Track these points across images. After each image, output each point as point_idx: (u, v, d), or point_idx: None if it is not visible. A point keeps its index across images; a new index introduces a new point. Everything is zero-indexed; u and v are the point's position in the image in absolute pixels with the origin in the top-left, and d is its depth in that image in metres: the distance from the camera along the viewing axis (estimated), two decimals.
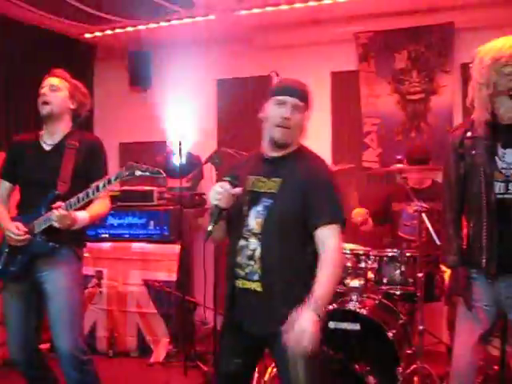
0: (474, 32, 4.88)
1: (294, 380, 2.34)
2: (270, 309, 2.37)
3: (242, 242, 2.45)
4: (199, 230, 5.26)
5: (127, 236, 5.33)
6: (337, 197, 2.46)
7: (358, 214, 4.47)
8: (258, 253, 2.40)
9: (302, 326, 2.21)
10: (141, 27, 5.62)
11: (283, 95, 2.46)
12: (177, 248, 5.17)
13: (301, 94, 2.48)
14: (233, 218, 2.48)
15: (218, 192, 2.39)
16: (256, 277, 2.40)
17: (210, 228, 2.36)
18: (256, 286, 2.40)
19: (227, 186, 2.40)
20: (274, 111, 2.47)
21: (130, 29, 5.67)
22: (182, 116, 6.10)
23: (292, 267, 2.39)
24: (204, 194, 5.60)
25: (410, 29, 5.31)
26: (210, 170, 5.05)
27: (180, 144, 5.66)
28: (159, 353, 4.98)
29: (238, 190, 2.41)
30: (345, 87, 5.69)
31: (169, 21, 5.43)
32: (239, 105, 5.87)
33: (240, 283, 2.44)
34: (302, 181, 2.42)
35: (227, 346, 2.56)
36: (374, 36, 5.47)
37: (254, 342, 2.50)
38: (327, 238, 2.37)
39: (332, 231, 2.38)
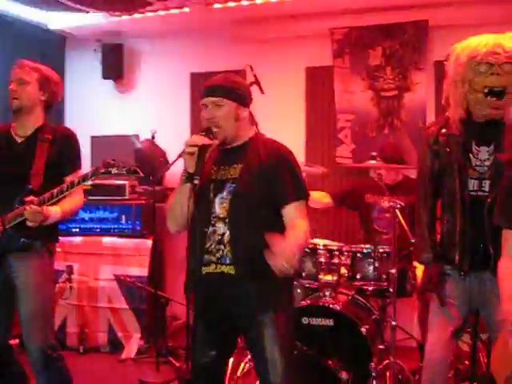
0: (447, 30, 4.92)
1: (271, 365, 2.38)
2: (245, 290, 2.41)
3: (209, 229, 2.48)
4: None
5: (98, 230, 5.28)
6: (298, 174, 2.54)
7: (321, 198, 4.50)
8: (226, 237, 2.44)
9: (285, 247, 2.27)
10: (114, 18, 5.54)
11: (203, 97, 2.54)
12: (149, 243, 5.13)
13: (217, 90, 2.51)
14: (198, 207, 2.48)
15: (195, 141, 2.41)
16: (228, 260, 2.43)
17: (196, 181, 2.36)
18: (229, 270, 2.43)
19: (204, 138, 2.43)
20: (202, 115, 2.55)
21: (102, 19, 5.58)
22: (154, 109, 6.06)
23: (262, 248, 2.38)
24: None
25: (384, 26, 5.33)
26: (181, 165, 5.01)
27: (153, 138, 5.63)
28: (131, 348, 4.94)
29: (216, 142, 2.47)
30: (319, 83, 5.69)
31: (143, 12, 5.37)
32: None
33: (211, 268, 2.45)
34: (262, 163, 2.47)
35: (200, 338, 2.55)
36: (348, 32, 5.48)
37: (227, 330, 2.52)
38: (294, 215, 2.47)
39: (298, 208, 2.48)
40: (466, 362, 3.65)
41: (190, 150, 2.39)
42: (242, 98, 2.54)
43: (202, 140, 2.41)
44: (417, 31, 5.22)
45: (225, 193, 2.48)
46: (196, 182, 2.36)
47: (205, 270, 2.47)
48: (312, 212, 2.64)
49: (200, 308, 2.54)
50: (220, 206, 2.47)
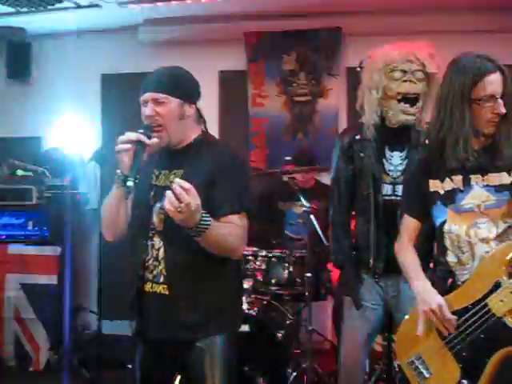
0: (360, 37, 5.02)
1: None
2: (178, 314, 2.19)
3: (148, 242, 2.25)
4: (81, 231, 5.08)
5: (3, 237, 5.03)
6: (241, 183, 2.23)
7: None
8: (161, 252, 2.21)
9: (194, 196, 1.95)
10: (20, 15, 5.30)
11: (143, 93, 2.24)
12: (58, 250, 4.93)
13: (159, 84, 2.23)
14: (138, 216, 2.27)
15: (128, 137, 2.14)
16: (162, 279, 2.21)
17: (130, 183, 2.07)
18: (162, 289, 2.20)
19: (140, 135, 2.15)
20: (142, 113, 2.27)
21: (8, 16, 5.33)
22: (63, 111, 5.84)
23: (198, 268, 2.18)
24: (87, 193, 5.39)
25: (298, 31, 5.38)
26: (93, 169, 4.86)
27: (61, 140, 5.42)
28: (39, 361, 4.76)
29: (154, 140, 2.17)
30: (233, 86, 5.68)
31: (52, 9, 5.16)
32: (124, 102, 5.70)
33: (148, 287, 2.24)
34: (205, 169, 2.18)
35: (141, 363, 2.34)
36: (263, 37, 5.50)
37: (167, 354, 2.28)
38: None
39: (236, 221, 2.16)
40: (380, 364, 3.74)
41: (121, 146, 2.12)
42: (188, 94, 2.28)
43: (136, 137, 2.13)
44: (330, 38, 5.30)
45: (162, 202, 2.14)
46: (129, 184, 2.06)
47: (143, 288, 2.25)
48: None
49: (138, 330, 2.30)
50: (158, 217, 2.22)
